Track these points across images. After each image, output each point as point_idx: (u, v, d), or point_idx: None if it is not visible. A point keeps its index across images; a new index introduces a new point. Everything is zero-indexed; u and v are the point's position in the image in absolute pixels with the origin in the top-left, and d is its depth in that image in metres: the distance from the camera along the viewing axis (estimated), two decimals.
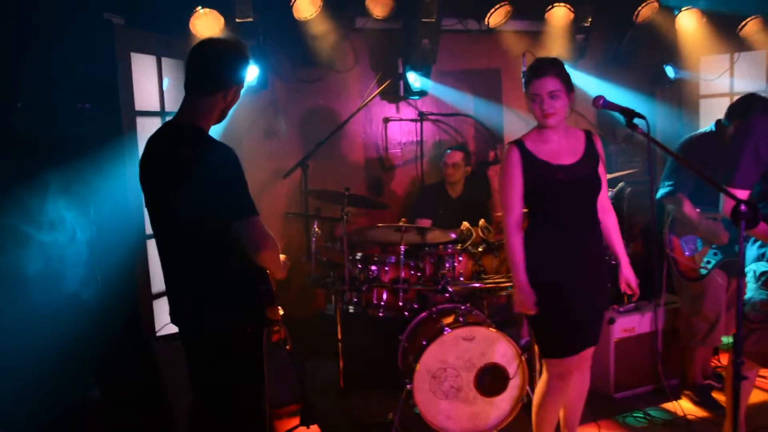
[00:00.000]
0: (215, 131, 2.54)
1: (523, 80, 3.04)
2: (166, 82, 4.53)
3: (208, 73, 2.47)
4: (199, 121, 2.46)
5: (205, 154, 2.36)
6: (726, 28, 5.44)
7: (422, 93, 5.29)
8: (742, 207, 2.42)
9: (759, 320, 3.01)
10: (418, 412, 3.66)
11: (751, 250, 3.10)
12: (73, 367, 3.49)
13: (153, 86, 4.44)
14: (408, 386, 3.63)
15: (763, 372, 4.19)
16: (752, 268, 3.08)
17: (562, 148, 3.01)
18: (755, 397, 3.85)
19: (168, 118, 4.50)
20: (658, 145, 2.75)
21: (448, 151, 4.98)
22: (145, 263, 4.31)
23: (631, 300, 4.11)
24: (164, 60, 4.47)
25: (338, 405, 4.12)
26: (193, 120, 2.46)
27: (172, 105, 4.55)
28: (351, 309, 4.07)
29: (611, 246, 3.19)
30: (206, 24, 4.24)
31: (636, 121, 2.72)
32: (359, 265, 4.08)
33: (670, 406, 3.96)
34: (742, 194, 2.96)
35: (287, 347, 3.00)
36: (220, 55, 2.46)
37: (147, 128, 4.36)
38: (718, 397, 4.00)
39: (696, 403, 4.02)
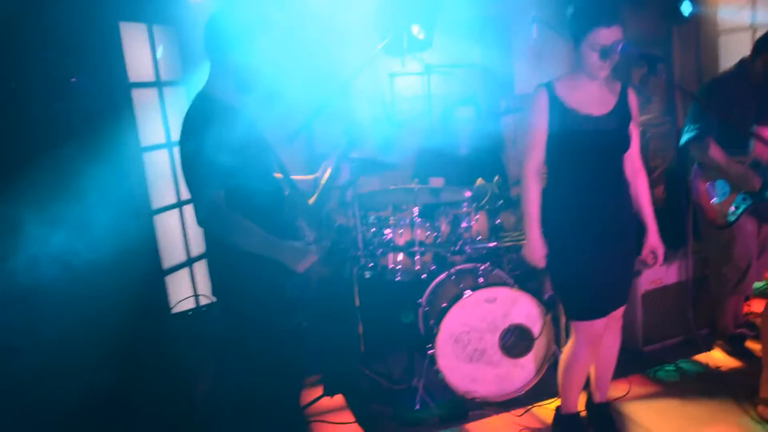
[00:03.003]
0: None
1: (571, 21, 2.71)
2: (160, 50, 4.34)
3: (207, 40, 2.48)
4: (207, 85, 2.48)
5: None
6: None
7: (427, 45, 5.05)
8: None
9: None
10: (443, 377, 3.57)
11: None
12: (85, 356, 3.39)
13: (146, 55, 4.25)
14: (431, 351, 3.53)
15: None
16: None
17: (594, 97, 2.82)
18: None
19: (165, 89, 4.36)
20: (683, 91, 2.57)
21: (458, 106, 4.76)
22: (153, 239, 4.18)
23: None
24: (156, 27, 4.27)
25: (360, 373, 4.02)
26: (204, 85, 2.49)
27: (169, 74, 4.38)
28: (367, 274, 3.95)
29: (640, 210, 3.01)
30: None
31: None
32: (372, 230, 3.94)
33: (701, 357, 3.85)
34: None
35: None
36: (218, 26, 2.45)
37: (143, 100, 4.20)
38: (752, 346, 3.87)
39: (729, 353, 3.90)
